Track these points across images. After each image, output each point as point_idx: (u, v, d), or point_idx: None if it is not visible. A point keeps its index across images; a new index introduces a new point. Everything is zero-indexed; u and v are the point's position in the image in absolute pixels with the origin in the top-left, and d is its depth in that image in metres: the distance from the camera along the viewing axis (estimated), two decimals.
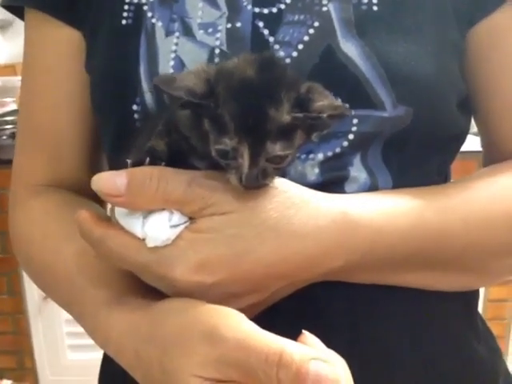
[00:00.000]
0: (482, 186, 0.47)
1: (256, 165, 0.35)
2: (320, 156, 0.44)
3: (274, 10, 0.45)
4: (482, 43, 0.49)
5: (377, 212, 0.41)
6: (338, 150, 0.44)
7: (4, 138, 1.96)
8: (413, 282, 0.45)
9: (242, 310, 0.39)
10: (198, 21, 0.45)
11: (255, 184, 0.36)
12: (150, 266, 0.36)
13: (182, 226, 0.36)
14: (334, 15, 0.44)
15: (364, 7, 0.44)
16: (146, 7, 0.47)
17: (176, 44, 0.45)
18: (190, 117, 0.37)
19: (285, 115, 0.35)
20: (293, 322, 0.39)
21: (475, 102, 0.52)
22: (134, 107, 0.46)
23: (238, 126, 0.34)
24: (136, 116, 0.46)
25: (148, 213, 0.36)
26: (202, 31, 0.45)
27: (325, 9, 0.44)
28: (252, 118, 0.34)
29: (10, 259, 2.02)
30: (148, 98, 0.45)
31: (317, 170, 0.44)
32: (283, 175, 0.43)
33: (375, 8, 0.44)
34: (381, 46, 0.43)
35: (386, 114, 0.43)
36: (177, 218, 0.36)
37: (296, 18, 0.44)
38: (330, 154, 0.44)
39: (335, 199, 0.41)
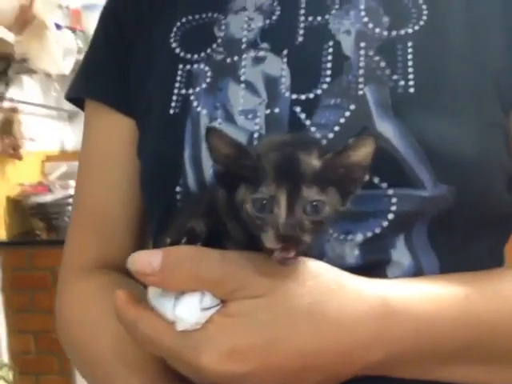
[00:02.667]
0: None
1: (293, 213, 0.34)
2: (359, 236, 0.42)
3: (311, 95, 0.46)
4: None
5: (420, 300, 0.38)
6: (377, 230, 0.42)
7: (66, 219, 2.07)
8: (465, 377, 0.41)
9: None
10: (239, 108, 0.47)
11: (293, 233, 0.33)
12: (178, 351, 0.35)
13: (214, 309, 0.35)
14: (369, 98, 0.45)
15: (400, 90, 0.45)
16: (192, 97, 0.49)
17: None
18: (225, 196, 0.38)
19: (314, 160, 0.35)
20: None
21: None
22: (177, 189, 0.47)
23: (276, 173, 0.34)
24: (178, 197, 0.47)
25: (180, 294, 0.36)
26: (242, 117, 0.47)
27: (361, 92, 0.45)
28: (287, 163, 0.35)
29: None
30: (190, 180, 0.46)
31: (356, 252, 0.42)
32: (320, 256, 0.41)
33: (411, 89, 0.45)
34: (418, 125, 0.43)
35: (426, 193, 0.42)
36: (208, 300, 0.35)
37: (332, 101, 0.45)
38: (369, 234, 0.42)
39: (374, 284, 0.38)
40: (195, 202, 0.42)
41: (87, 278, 0.54)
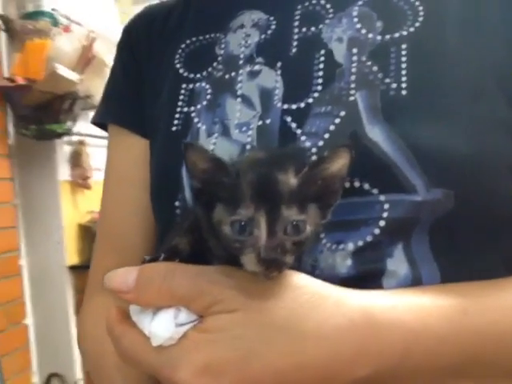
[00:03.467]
0: None
1: (274, 234, 0.33)
2: (350, 246, 0.40)
3: (302, 104, 0.45)
4: None
5: (408, 310, 0.36)
6: (369, 238, 0.40)
7: None
8: None
9: None
10: (236, 121, 0.48)
11: (274, 257, 0.33)
12: (155, 366, 0.35)
13: (189, 325, 0.35)
14: (360, 103, 0.43)
15: (392, 92, 0.43)
16: (193, 114, 0.51)
17: (214, 144, 0.48)
18: (203, 214, 0.38)
19: (291, 178, 0.35)
20: None
21: None
22: (177, 203, 0.48)
23: (254, 193, 0.34)
24: (178, 211, 0.48)
25: (157, 310, 0.36)
26: (237, 130, 0.47)
27: (352, 98, 0.44)
28: (264, 183, 0.34)
29: None
30: (188, 195, 0.47)
31: (349, 262, 0.40)
32: (313, 268, 0.40)
33: (404, 92, 0.43)
34: (408, 128, 0.41)
35: (418, 198, 0.40)
36: (184, 315, 0.35)
37: (323, 109, 0.45)
38: (360, 243, 0.40)
39: (358, 295, 0.36)
40: (185, 219, 0.42)
41: (104, 294, 0.56)
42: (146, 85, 0.58)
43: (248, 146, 0.46)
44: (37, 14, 2.42)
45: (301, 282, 0.36)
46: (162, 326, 0.35)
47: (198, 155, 0.36)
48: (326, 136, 0.43)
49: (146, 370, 0.37)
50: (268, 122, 0.46)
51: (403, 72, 0.43)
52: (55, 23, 2.43)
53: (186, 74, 0.54)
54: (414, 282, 0.40)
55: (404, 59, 0.44)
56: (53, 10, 2.47)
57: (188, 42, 0.56)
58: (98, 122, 0.64)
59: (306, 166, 0.36)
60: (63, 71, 2.12)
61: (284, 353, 0.34)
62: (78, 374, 1.96)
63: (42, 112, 2.23)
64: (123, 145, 0.60)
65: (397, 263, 0.40)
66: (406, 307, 0.36)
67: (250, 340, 0.34)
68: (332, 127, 0.43)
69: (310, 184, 0.35)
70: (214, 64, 0.52)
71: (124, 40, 0.63)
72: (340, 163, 0.36)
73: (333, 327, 0.34)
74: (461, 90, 0.43)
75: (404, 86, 0.43)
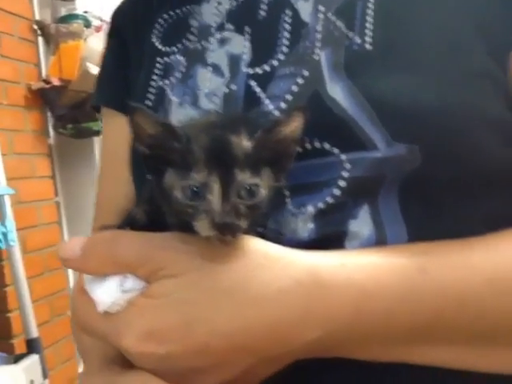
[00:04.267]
0: None
1: (228, 199, 0.32)
2: (310, 208, 0.39)
3: (267, 67, 0.44)
4: None
5: (359, 268, 0.34)
6: (329, 199, 0.38)
7: None
8: (427, 359, 0.35)
9: None
10: (206, 91, 0.47)
11: (229, 221, 0.32)
12: (103, 333, 0.35)
13: (137, 292, 0.35)
14: (323, 61, 0.41)
15: (356, 47, 0.41)
16: (167, 87, 0.50)
17: (184, 114, 0.47)
18: (153, 179, 0.37)
19: (245, 141, 0.34)
20: None
21: None
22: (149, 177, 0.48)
23: (206, 157, 0.33)
24: None
25: (105, 278, 0.36)
26: (205, 99, 0.46)
27: (316, 57, 0.42)
28: (218, 147, 0.33)
29: None
30: None
31: (311, 226, 0.39)
32: (277, 234, 0.39)
33: (368, 47, 0.40)
34: (369, 82, 0.39)
35: (379, 154, 0.37)
36: (131, 282, 0.35)
37: (287, 71, 0.43)
38: (321, 205, 0.38)
39: (307, 255, 0.35)
40: (146, 188, 0.42)
41: None
42: (132, 66, 0.58)
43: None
44: (70, 17, 2.50)
45: (252, 246, 0.35)
46: (107, 293, 0.34)
47: (144, 120, 0.35)
48: (288, 97, 0.41)
49: (97, 338, 0.37)
50: (234, 88, 0.45)
51: (368, 25, 0.41)
52: (88, 24, 2.51)
53: (161, 48, 0.53)
54: (378, 243, 0.37)
55: (370, 12, 0.42)
56: (85, 12, 2.55)
57: (165, 16, 0.55)
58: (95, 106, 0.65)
59: (259, 129, 0.35)
60: (95, 70, 2.18)
61: (230, 317, 0.33)
62: None
63: (77, 111, 2.31)
64: (114, 126, 0.60)
65: (360, 225, 0.38)
66: (358, 266, 0.34)
67: (195, 304, 0.33)
68: (294, 88, 0.42)
69: (264, 147, 0.34)
70: (189, 36, 0.52)
71: (112, 25, 0.63)
72: (293, 125, 0.35)
73: (278, 289, 0.33)
74: (431, 42, 0.40)
75: (368, 40, 0.41)
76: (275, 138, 0.35)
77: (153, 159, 0.36)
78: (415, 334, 0.34)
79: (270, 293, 0.33)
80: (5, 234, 1.48)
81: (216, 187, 0.32)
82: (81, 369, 1.98)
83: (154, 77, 0.52)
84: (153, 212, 0.38)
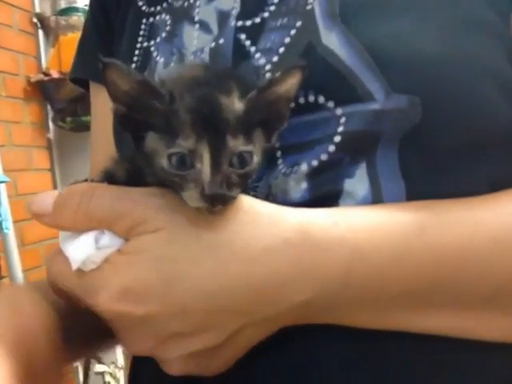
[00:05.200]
0: None
1: (219, 168, 0.29)
2: (304, 167, 0.36)
3: (258, 19, 0.41)
4: None
5: (354, 228, 0.31)
6: (323, 157, 0.35)
7: None
8: (430, 327, 0.32)
9: (201, 358, 0.32)
10: (193, 49, 0.44)
11: (221, 193, 0.29)
12: (78, 292, 0.32)
13: (113, 248, 0.32)
14: (317, 11, 0.39)
15: None
16: (152, 48, 0.48)
17: None
18: (131, 139, 0.34)
19: (236, 102, 0.30)
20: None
21: None
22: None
23: (194, 121, 0.30)
24: None
25: (80, 234, 0.33)
26: (192, 57, 0.44)
27: (309, 7, 0.39)
28: (207, 109, 0.30)
29: None
30: None
31: (304, 186, 0.36)
32: (267, 198, 0.36)
33: None
34: (367, 28, 0.36)
35: (377, 106, 0.34)
36: (107, 238, 0.32)
37: (279, 23, 0.40)
38: (315, 163, 0.36)
39: (296, 213, 0.32)
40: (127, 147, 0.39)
41: None
42: (115, 34, 0.56)
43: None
44: (70, 10, 2.48)
45: (237, 203, 0.32)
46: (80, 249, 0.32)
47: (119, 76, 0.31)
48: (281, 50, 0.39)
49: (72, 298, 0.34)
50: (221, 42, 0.42)
51: None
52: None
53: (145, 9, 0.51)
54: (375, 202, 0.34)
55: None
56: (85, 5, 2.53)
57: None
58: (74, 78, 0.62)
59: (252, 86, 0.31)
60: None
61: (212, 275, 0.30)
62: (118, 354, 1.99)
63: (77, 104, 2.28)
64: (99, 98, 0.58)
65: (356, 183, 0.35)
66: (352, 225, 0.31)
67: (175, 261, 0.30)
68: (287, 40, 0.39)
69: (258, 108, 0.31)
70: None
71: None
72: (289, 84, 0.32)
73: (263, 247, 0.30)
74: None
75: None
76: (269, 98, 0.32)
77: (131, 119, 0.32)
78: (410, 299, 0.31)
79: (255, 250, 0.30)
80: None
81: (206, 155, 0.29)
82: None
83: (140, 39, 0.49)
84: (134, 170, 0.36)
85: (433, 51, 0.34)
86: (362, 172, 0.35)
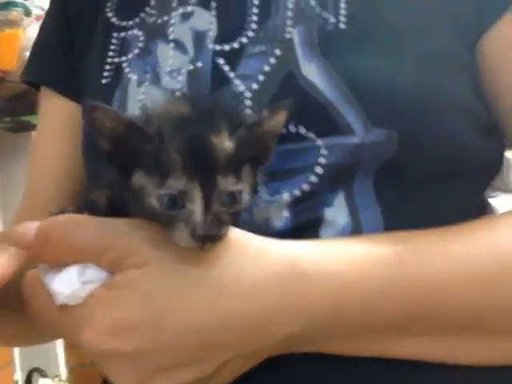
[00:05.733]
0: (499, 225, 0.36)
1: (210, 208, 0.29)
2: (286, 196, 0.37)
3: (236, 45, 0.42)
4: (488, 57, 0.41)
5: (339, 260, 0.32)
6: (305, 186, 0.36)
7: None
8: (423, 354, 0.34)
9: None
10: (168, 69, 0.44)
11: (212, 233, 0.29)
12: (61, 328, 0.31)
13: (98, 283, 0.31)
14: (296, 40, 0.40)
15: (330, 27, 0.39)
16: (124, 64, 0.47)
17: (143, 93, 0.44)
18: (118, 175, 0.33)
19: (226, 141, 0.30)
20: None
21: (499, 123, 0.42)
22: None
23: (185, 161, 0.29)
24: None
25: (63, 267, 0.32)
26: (167, 77, 0.43)
27: (288, 36, 0.40)
28: (197, 149, 0.30)
29: None
30: None
31: (286, 214, 0.37)
32: (249, 223, 0.36)
33: (342, 26, 0.39)
34: (346, 63, 0.37)
35: (356, 140, 0.36)
36: (92, 272, 0.31)
37: (257, 49, 0.41)
38: (296, 192, 0.37)
39: (283, 246, 0.32)
40: (107, 173, 0.38)
41: None
42: (77, 39, 0.54)
43: (178, 93, 0.42)
44: (8, 5, 2.35)
45: None
46: (65, 283, 0.31)
47: (106, 117, 0.30)
48: (261, 78, 0.39)
49: (55, 334, 0.33)
50: (199, 65, 0.42)
51: (342, 5, 0.40)
52: (27, 13, 2.38)
53: (117, 22, 0.49)
54: (354, 231, 0.36)
55: None
56: (25, 0, 2.41)
57: None
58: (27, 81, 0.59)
59: (240, 123, 0.31)
60: None
61: (200, 310, 0.30)
62: (61, 367, 1.92)
63: (16, 103, 2.18)
64: (49, 108, 0.55)
65: (336, 212, 0.36)
66: (337, 256, 0.32)
67: (164, 296, 0.30)
68: (267, 68, 0.39)
69: (246, 146, 0.31)
70: (147, 9, 0.48)
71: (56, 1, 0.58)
72: (277, 121, 0.32)
73: (252, 282, 0.30)
74: (406, 23, 0.39)
75: (343, 19, 0.39)
76: (257, 135, 0.32)
77: (117, 155, 0.32)
78: (394, 327, 0.33)
79: (245, 284, 0.30)
80: None
81: (198, 196, 0.29)
82: (17, 376, 1.86)
83: (110, 53, 0.48)
84: (115, 198, 0.35)
85: (408, 87, 0.36)
86: (340, 201, 0.37)
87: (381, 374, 0.34)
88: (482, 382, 0.35)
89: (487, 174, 0.42)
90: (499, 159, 0.43)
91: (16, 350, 1.85)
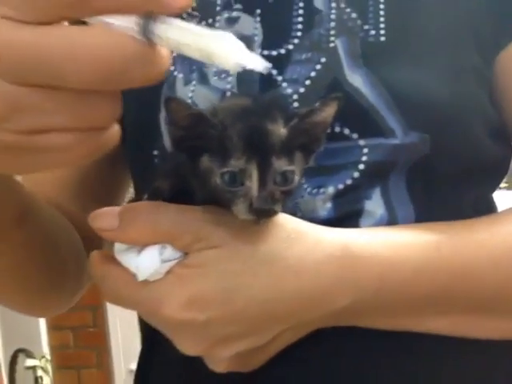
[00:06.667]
0: None
1: (265, 185, 0.34)
2: (331, 189, 0.41)
3: (283, 51, 0.45)
4: (504, 72, 0.46)
5: (384, 245, 0.37)
6: (349, 181, 0.41)
7: None
8: (439, 328, 0.39)
9: (244, 357, 0.36)
10: (214, 69, 0.47)
11: (266, 207, 0.33)
12: (142, 302, 0.35)
13: (175, 261, 0.35)
14: (340, 49, 0.44)
15: (371, 39, 0.44)
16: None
17: (192, 91, 0.47)
18: (186, 160, 0.37)
19: (281, 129, 0.35)
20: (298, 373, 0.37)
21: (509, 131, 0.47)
22: (155, 152, 0.47)
23: (244, 145, 0.34)
24: (156, 160, 0.47)
25: (142, 248, 0.36)
26: (216, 77, 0.47)
27: (332, 45, 0.44)
28: (255, 134, 0.34)
29: (100, 334, 2.11)
30: (166, 141, 0.47)
31: (329, 205, 0.41)
32: (293, 212, 0.41)
33: (382, 38, 0.43)
34: (388, 73, 0.42)
35: (397, 141, 0.41)
36: (169, 252, 0.35)
37: (304, 56, 0.45)
38: (340, 186, 0.41)
39: (335, 232, 0.38)
40: (166, 162, 0.42)
41: None
42: None
43: (228, 93, 0.46)
44: None
45: (279, 221, 0.37)
46: (148, 261, 0.35)
47: (180, 109, 0.35)
48: (307, 83, 0.43)
49: (131, 307, 0.37)
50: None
51: (381, 19, 0.44)
52: None
53: None
54: (390, 221, 0.41)
55: (382, 6, 0.45)
56: None
57: None
58: None
59: (294, 115, 0.36)
60: None
61: (268, 285, 0.35)
62: (45, 348, 1.94)
63: None
64: None
65: (374, 205, 0.41)
66: (382, 242, 0.38)
67: (234, 274, 0.34)
68: (313, 73, 0.44)
69: (298, 134, 0.36)
70: (190, 10, 0.51)
71: None
72: (328, 112, 0.36)
73: (312, 261, 0.35)
74: (438, 36, 0.44)
75: (382, 32, 0.44)
76: (309, 125, 0.36)
77: (187, 142, 0.36)
78: (426, 304, 0.38)
79: (304, 264, 0.35)
80: None
81: (254, 174, 0.34)
82: (2, 355, 1.87)
83: None
84: (178, 185, 0.39)
85: (442, 96, 0.41)
86: (377, 195, 0.42)
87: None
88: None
89: (497, 175, 0.48)
90: (508, 161, 0.48)
91: (0, 331, 1.86)
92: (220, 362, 0.37)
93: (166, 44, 0.24)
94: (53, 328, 2.00)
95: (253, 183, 0.34)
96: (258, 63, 0.25)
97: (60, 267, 0.50)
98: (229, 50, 0.24)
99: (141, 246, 0.36)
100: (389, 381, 0.40)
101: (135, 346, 1.88)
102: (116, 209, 0.36)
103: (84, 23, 0.24)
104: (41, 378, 1.66)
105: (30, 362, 1.67)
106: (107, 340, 2.06)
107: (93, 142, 0.26)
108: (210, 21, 0.49)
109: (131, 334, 1.93)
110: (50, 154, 0.26)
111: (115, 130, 0.26)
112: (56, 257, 0.49)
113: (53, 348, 1.97)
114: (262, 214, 0.34)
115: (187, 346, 0.36)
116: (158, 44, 0.24)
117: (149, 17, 0.23)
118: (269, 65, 0.25)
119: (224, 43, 0.24)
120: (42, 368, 1.68)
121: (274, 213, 0.34)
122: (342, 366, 0.40)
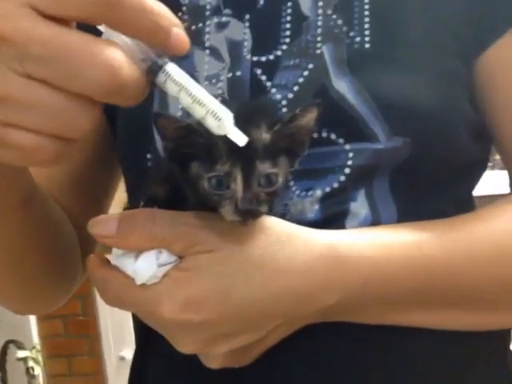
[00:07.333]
0: (492, 217, 0.44)
1: (249, 187, 0.36)
2: (318, 192, 0.43)
3: (271, 57, 0.47)
4: (486, 73, 0.48)
5: (369, 245, 0.40)
6: (335, 184, 0.43)
7: None
8: (426, 321, 0.42)
9: (238, 353, 0.38)
10: (205, 74, 0.48)
11: (251, 207, 0.35)
12: (140, 304, 0.37)
13: (171, 265, 0.37)
14: (327, 56, 0.45)
15: (356, 45, 0.45)
16: None
17: None
18: (177, 168, 0.39)
19: (264, 134, 0.37)
20: (292, 369, 0.39)
21: (489, 130, 0.49)
22: (148, 155, 0.49)
23: (229, 150, 0.35)
24: (149, 164, 0.49)
25: (139, 253, 0.38)
26: (206, 82, 0.48)
27: (318, 51, 0.46)
28: None
29: (91, 322, 2.12)
30: (159, 146, 0.48)
31: (316, 207, 0.43)
32: (283, 214, 0.43)
33: (367, 45, 0.45)
34: (372, 80, 0.44)
35: (380, 146, 0.43)
36: (165, 256, 0.37)
37: (292, 62, 0.46)
38: (327, 189, 0.43)
39: (323, 234, 0.40)
40: (160, 168, 0.44)
41: None
42: None
43: (219, 99, 0.47)
44: None
45: (269, 224, 0.39)
46: (145, 266, 0.36)
47: (168, 123, 0.37)
48: (295, 88, 0.45)
49: (131, 310, 0.39)
50: (238, 73, 0.47)
51: (366, 26, 0.46)
52: None
53: None
54: (374, 221, 0.43)
55: (366, 13, 0.46)
56: None
57: None
58: None
59: (277, 120, 0.38)
60: None
61: (260, 286, 0.37)
62: (35, 339, 1.95)
63: None
64: None
65: (359, 206, 0.43)
66: (367, 242, 0.40)
67: (228, 276, 0.36)
68: (301, 80, 0.45)
69: (281, 138, 0.37)
70: (179, 14, 0.52)
71: None
72: (309, 118, 0.38)
73: (302, 262, 0.38)
74: (421, 41, 0.45)
75: (367, 39, 0.45)
76: (292, 129, 0.38)
77: (177, 152, 0.38)
78: (409, 299, 0.41)
79: (295, 265, 0.37)
80: None
81: (239, 177, 0.36)
82: None
83: None
84: (172, 191, 0.41)
85: (424, 102, 0.43)
86: (361, 197, 0.44)
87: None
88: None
89: (477, 173, 0.50)
90: (486, 159, 0.51)
91: None
92: (214, 358, 0.39)
93: (164, 89, 0.29)
94: (42, 318, 2.01)
95: (237, 186, 0.35)
96: (239, 138, 0.32)
97: (61, 253, 0.52)
98: (218, 126, 0.31)
99: (138, 251, 0.37)
100: (378, 376, 0.42)
101: (125, 333, 1.91)
102: (114, 216, 0.38)
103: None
104: (32, 368, 1.68)
105: (21, 354, 1.68)
106: (97, 328, 2.08)
107: (53, 151, 0.27)
108: (200, 25, 0.50)
109: (121, 321, 1.95)
110: (8, 150, 0.27)
111: (75, 148, 0.28)
112: (57, 243, 0.51)
113: (43, 338, 1.99)
114: (248, 214, 0.36)
115: (183, 345, 0.38)
116: (158, 86, 0.26)
117: (160, 59, 0.29)
118: (246, 139, 0.32)
119: (215, 122, 0.30)
120: (33, 359, 1.70)
121: (260, 213, 0.36)
122: (333, 362, 0.42)
